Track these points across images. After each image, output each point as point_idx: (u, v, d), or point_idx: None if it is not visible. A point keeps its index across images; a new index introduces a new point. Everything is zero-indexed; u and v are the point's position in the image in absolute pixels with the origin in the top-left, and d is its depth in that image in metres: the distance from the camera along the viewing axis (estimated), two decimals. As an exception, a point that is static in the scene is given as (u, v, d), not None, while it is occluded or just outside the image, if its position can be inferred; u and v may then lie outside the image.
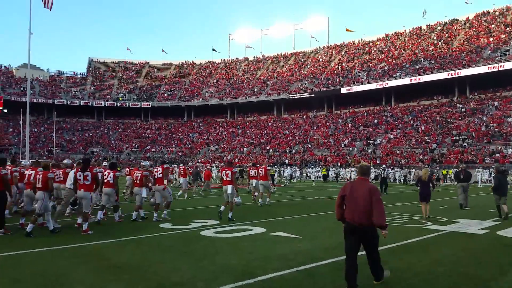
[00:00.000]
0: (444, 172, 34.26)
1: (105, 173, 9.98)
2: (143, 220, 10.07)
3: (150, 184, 10.85)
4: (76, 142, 63.65)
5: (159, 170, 10.51)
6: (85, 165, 8.62)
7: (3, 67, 71.99)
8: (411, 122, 50.23)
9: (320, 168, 40.61)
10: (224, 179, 10.44)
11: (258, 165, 15.89)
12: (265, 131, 63.41)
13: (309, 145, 53.58)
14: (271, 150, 55.55)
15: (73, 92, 73.13)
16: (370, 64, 62.83)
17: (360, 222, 4.68)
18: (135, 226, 9.28)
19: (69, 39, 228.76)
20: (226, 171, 10.56)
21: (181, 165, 28.05)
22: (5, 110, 61.87)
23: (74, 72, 79.92)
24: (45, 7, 29.18)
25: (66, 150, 59.43)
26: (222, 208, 10.33)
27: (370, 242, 4.82)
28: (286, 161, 49.93)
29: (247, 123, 68.93)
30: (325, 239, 7.62)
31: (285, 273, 5.22)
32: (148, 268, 5.40)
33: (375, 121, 54.12)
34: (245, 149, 58.63)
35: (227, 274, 5.12)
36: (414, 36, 65.74)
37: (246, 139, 62.25)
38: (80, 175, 8.43)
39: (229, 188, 10.25)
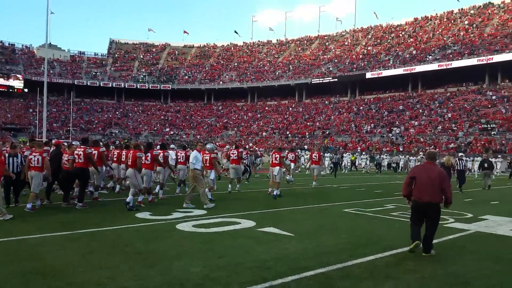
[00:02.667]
0: (353, 158, 32.15)
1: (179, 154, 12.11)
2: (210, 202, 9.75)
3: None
4: (95, 123, 63.80)
5: (235, 153, 12.97)
6: (148, 147, 10.00)
7: (24, 47, 72.54)
8: (438, 109, 47.74)
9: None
10: (273, 161, 12.42)
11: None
12: (285, 116, 61.88)
13: (327, 131, 51.79)
14: (290, 135, 54.11)
15: (93, 73, 73.12)
16: (398, 49, 59.98)
17: (428, 200, 5.58)
18: (114, 214, 8.26)
19: (91, 20, 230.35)
20: (275, 154, 12.70)
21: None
22: (26, 90, 62.81)
23: (95, 53, 79.85)
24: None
25: (85, 130, 59.61)
26: (270, 189, 12.22)
27: (433, 216, 5.65)
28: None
29: (267, 108, 67.44)
30: (320, 239, 6.34)
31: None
32: (67, 276, 4.25)
33: (400, 107, 51.76)
34: (264, 133, 57.40)
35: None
36: (445, 20, 62.19)
37: (265, 124, 60.94)
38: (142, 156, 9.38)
39: (275, 170, 11.99)
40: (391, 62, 56.49)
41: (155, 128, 64.09)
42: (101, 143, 12.25)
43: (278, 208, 9.51)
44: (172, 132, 62.58)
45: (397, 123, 47.87)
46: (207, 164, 10.50)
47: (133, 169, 8.92)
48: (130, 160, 9.05)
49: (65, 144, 10.95)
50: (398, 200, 11.97)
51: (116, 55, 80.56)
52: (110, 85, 70.45)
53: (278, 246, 5.69)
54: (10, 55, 69.08)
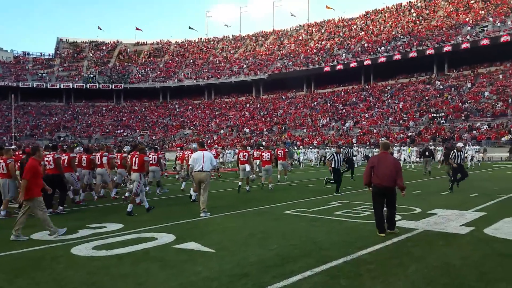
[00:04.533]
0: (409, 150, 31.70)
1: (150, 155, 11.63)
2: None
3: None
4: (42, 127, 60.09)
5: (245, 155, 12.85)
6: (138, 150, 9.83)
7: (-39, 48, 67.31)
8: (389, 100, 48.48)
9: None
10: (241, 159, 12.84)
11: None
12: (243, 112, 60.96)
13: (282, 126, 51.38)
14: (248, 131, 53.24)
15: (40, 74, 68.94)
16: (350, 42, 60.48)
17: (386, 185, 6.33)
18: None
19: (36, 18, 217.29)
20: (266, 153, 13.76)
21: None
22: (-37, 94, 58.18)
23: (41, 53, 75.55)
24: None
25: (31, 135, 56.00)
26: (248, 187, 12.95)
27: (391, 198, 6.46)
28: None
29: (224, 105, 66.23)
30: (245, 253, 5.36)
31: None
32: None
33: (354, 99, 52.18)
34: (222, 131, 56.22)
35: None
36: (394, 12, 63.44)
37: (223, 121, 59.74)
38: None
39: (247, 166, 12.66)
40: (344, 56, 56.84)
41: (107, 130, 61.25)
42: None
43: (212, 215, 8.45)
44: (125, 134, 60.05)
45: (351, 115, 48.13)
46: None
47: (139, 173, 9.08)
48: (136, 164, 9.14)
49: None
50: (346, 196, 11.29)
51: (64, 55, 76.48)
52: (58, 86, 66.74)
53: (188, 270, 4.64)
54: None
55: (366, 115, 46.75)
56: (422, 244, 5.82)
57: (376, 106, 48.42)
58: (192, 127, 60.25)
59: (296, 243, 5.87)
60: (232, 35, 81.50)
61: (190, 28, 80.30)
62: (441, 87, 46.42)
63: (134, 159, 9.22)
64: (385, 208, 6.52)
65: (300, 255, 5.24)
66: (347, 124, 46.01)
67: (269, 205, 9.82)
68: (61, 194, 9.28)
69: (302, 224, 7.29)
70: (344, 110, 50.41)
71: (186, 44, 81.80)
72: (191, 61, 74.97)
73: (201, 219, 8.04)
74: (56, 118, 63.79)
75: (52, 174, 9.14)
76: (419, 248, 5.59)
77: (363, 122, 44.96)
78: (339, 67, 54.73)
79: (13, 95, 57.88)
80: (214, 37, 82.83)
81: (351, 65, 53.59)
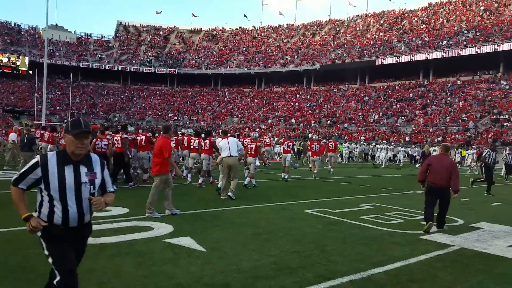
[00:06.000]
0: (464, 153, 28.53)
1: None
2: (255, 187, 11.22)
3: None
4: (99, 107, 62.76)
5: (290, 145, 13.86)
6: (207, 135, 11.25)
7: (30, 28, 71.53)
8: (448, 98, 45.22)
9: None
10: (285, 149, 13.66)
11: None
12: (291, 103, 59.90)
13: (331, 119, 49.70)
14: (294, 122, 52.23)
15: (100, 56, 71.86)
16: (410, 35, 57.08)
17: (441, 184, 6.61)
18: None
19: (98, 1, 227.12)
20: (288, 142, 14.09)
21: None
22: (30, 72, 61.88)
23: (102, 35, 78.53)
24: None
25: (87, 114, 58.63)
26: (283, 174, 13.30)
27: (445, 198, 6.69)
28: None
29: (273, 94, 65.44)
30: (238, 257, 4.68)
31: None
32: None
33: (411, 95, 49.30)
34: (269, 120, 55.62)
35: None
36: (460, 6, 58.84)
37: (271, 111, 59.08)
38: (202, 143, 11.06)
39: (288, 156, 13.53)
40: (402, 49, 53.79)
41: (159, 113, 62.75)
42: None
43: (225, 207, 7.86)
44: (175, 118, 61.18)
45: (406, 112, 45.54)
46: (252, 152, 11.03)
47: (208, 154, 10.75)
48: (205, 147, 10.65)
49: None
50: (381, 198, 10.24)
51: (123, 38, 79.10)
52: (115, 68, 69.17)
53: (163, 273, 4.04)
54: (16, 36, 68.23)
55: (424, 112, 43.91)
56: (455, 267, 4.83)
57: (434, 103, 45.39)
58: (240, 115, 60.16)
59: (301, 250, 5.10)
60: (287, 24, 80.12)
61: (244, 16, 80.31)
62: (507, 87, 42.49)
63: (200, 142, 10.85)
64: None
65: (300, 265, 4.48)
66: (399, 121, 43.57)
67: (290, 201, 9.05)
68: (125, 170, 10.59)
69: (318, 227, 6.47)
70: (398, 106, 47.84)
71: (240, 32, 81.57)
72: (244, 49, 74.68)
73: (210, 211, 7.44)
74: (112, 99, 66.32)
75: (119, 152, 10.35)
76: (450, 272, 4.62)
77: (420, 120, 42.28)
78: (397, 60, 51.88)
79: (73, 74, 60.79)
80: (268, 25, 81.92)
81: (410, 59, 50.56)
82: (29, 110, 55.77)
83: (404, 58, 51.12)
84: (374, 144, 30.51)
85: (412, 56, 50.26)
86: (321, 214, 7.59)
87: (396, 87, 53.45)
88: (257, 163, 11.59)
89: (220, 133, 11.21)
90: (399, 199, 10.11)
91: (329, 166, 16.72)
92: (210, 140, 10.96)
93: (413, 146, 33.32)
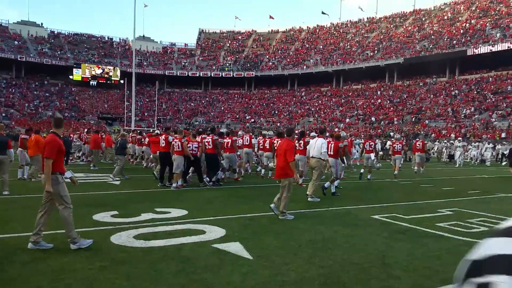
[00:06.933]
0: None
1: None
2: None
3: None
4: (182, 112, 66.07)
5: (371, 145, 13.59)
6: (300, 136, 11.74)
7: (121, 40, 77.74)
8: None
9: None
10: (367, 149, 13.45)
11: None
12: (372, 100, 57.38)
13: (416, 116, 46.42)
14: (374, 120, 49.91)
15: (183, 63, 75.73)
16: (508, 20, 51.31)
17: None
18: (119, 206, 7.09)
19: (181, 11, 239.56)
20: (369, 142, 13.72)
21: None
22: (122, 81, 67.26)
23: (185, 44, 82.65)
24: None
25: (172, 119, 62.01)
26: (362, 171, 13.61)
27: None
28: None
29: (352, 92, 63.26)
30: (284, 268, 4.31)
31: None
32: None
33: (509, 88, 44.29)
34: (347, 119, 53.88)
35: None
36: None
37: (350, 109, 57.19)
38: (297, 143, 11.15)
39: (372, 155, 13.32)
40: (498, 36, 48.55)
41: (237, 116, 64.22)
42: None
43: (292, 210, 7.52)
44: (253, 120, 62.10)
45: (503, 105, 40.99)
46: (331, 153, 10.41)
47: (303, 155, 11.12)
48: (331, 150, 10.04)
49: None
50: (464, 202, 9.09)
51: (204, 45, 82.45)
52: (197, 75, 72.44)
53: (200, 281, 3.85)
54: (109, 48, 74.72)
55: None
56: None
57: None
58: (316, 115, 59.13)
59: (358, 261, 4.58)
60: (367, 17, 77.02)
61: (322, 13, 78.77)
62: None
63: (329, 145, 9.83)
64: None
65: (352, 280, 4.00)
66: (494, 116, 39.36)
67: (356, 205, 8.41)
68: (213, 171, 11.03)
69: (383, 236, 5.82)
70: (493, 99, 43.27)
71: (318, 30, 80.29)
72: (321, 47, 73.36)
73: (269, 215, 7.15)
74: (194, 104, 69.44)
75: (211, 153, 10.90)
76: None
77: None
78: (491, 49, 46.96)
79: (159, 82, 64.77)
80: (347, 21, 79.55)
81: (507, 46, 45.43)
82: (120, 117, 60.60)
83: (500, 46, 46.09)
84: (452, 142, 27.54)
85: (510, 44, 45.15)
86: (389, 220, 6.89)
87: (491, 78, 48.43)
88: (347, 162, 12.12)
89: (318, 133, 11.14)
90: (487, 203, 8.90)
91: (415, 168, 15.91)
92: (304, 141, 11.23)
93: (504, 143, 29.70)
